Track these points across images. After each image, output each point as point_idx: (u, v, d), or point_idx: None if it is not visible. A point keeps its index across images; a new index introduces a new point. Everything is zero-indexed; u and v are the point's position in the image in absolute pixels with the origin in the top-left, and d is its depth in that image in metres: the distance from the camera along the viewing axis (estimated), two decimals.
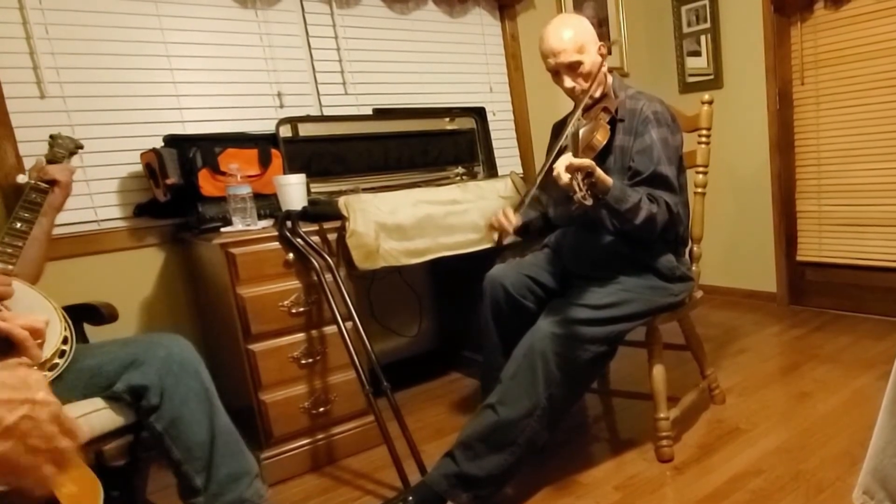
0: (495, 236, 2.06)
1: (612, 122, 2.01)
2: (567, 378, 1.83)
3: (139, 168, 2.36)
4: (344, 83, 2.90)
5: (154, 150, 2.22)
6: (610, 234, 2.05)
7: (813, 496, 1.78)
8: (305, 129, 2.62)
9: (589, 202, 1.63)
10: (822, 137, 3.37)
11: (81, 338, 1.85)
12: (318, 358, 2.22)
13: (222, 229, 2.16)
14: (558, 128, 2.36)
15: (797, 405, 2.36)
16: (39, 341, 1.09)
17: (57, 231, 1.97)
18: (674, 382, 2.33)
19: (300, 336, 2.18)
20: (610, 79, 2.13)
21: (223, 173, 2.25)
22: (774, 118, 3.48)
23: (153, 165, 2.24)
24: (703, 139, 2.33)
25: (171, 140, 2.29)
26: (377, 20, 2.98)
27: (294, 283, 2.16)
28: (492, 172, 3.10)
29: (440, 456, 1.87)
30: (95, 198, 2.32)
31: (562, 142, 1.94)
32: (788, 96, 3.46)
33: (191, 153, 2.22)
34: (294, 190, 2.23)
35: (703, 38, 3.74)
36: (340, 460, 2.29)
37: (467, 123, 3.09)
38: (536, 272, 2.16)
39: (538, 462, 2.09)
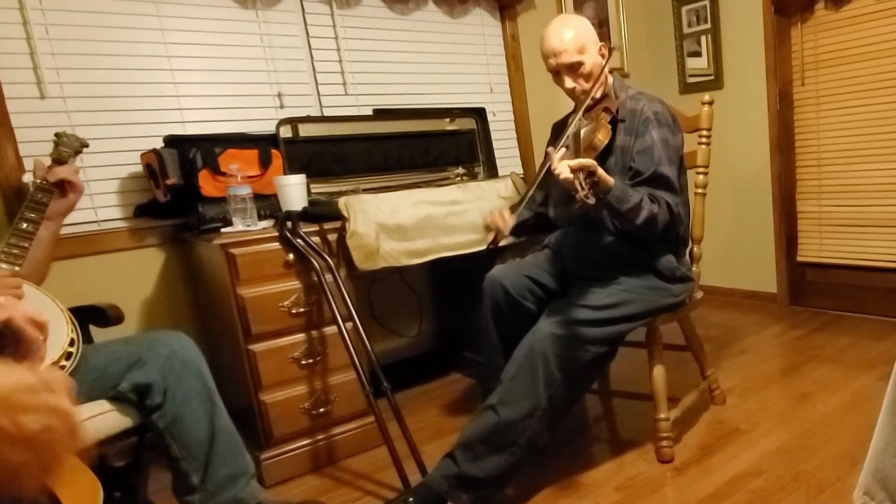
0: (490, 236, 2.07)
1: (613, 123, 2.01)
2: (567, 379, 1.83)
3: (139, 168, 2.36)
4: (344, 83, 2.90)
5: (154, 151, 2.22)
6: (610, 235, 2.05)
7: (813, 497, 1.78)
8: (306, 130, 2.62)
9: (591, 201, 1.63)
10: (822, 138, 3.37)
11: (87, 339, 1.84)
12: (318, 358, 2.21)
13: (222, 230, 2.16)
14: (558, 128, 2.36)
15: (797, 406, 2.36)
16: (43, 337, 1.09)
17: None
18: (674, 383, 2.33)
19: (300, 336, 2.18)
20: (610, 79, 2.13)
21: (223, 174, 2.25)
22: (775, 119, 3.48)
23: (153, 166, 2.24)
24: (704, 140, 2.33)
25: (171, 140, 2.29)
26: (377, 20, 2.98)
27: (294, 284, 2.15)
28: (492, 173, 3.10)
29: (440, 457, 1.87)
30: (96, 198, 2.32)
31: (563, 141, 1.94)
32: (789, 97, 3.46)
33: (191, 154, 2.22)
34: (294, 190, 2.23)
35: (703, 38, 3.74)
36: (341, 461, 2.29)
37: (468, 124, 3.09)
38: (536, 273, 2.16)
39: (539, 463, 2.09)
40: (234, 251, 2.04)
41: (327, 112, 2.84)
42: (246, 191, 2.17)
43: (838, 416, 2.23)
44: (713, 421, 2.31)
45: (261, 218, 2.26)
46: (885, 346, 2.86)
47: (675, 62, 3.92)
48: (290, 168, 2.49)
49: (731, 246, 3.85)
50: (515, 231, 2.22)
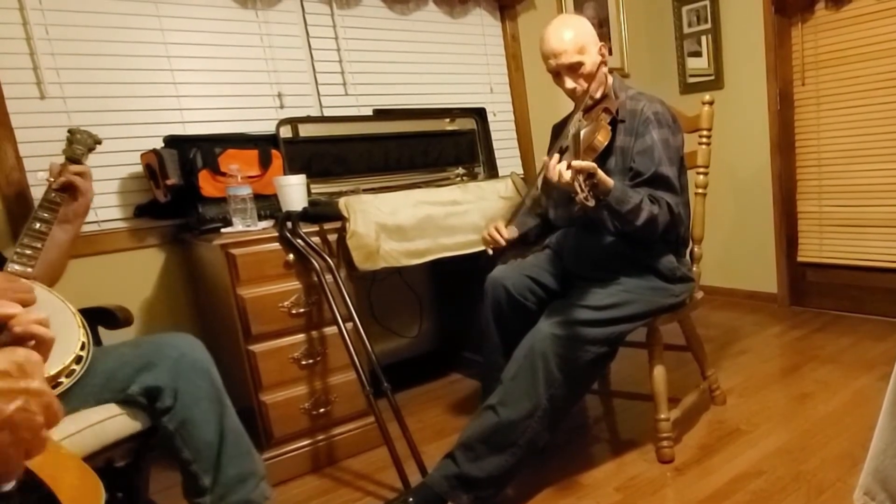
0: (489, 251, 2.09)
1: (613, 123, 2.01)
2: (568, 379, 1.82)
3: (139, 169, 2.36)
4: (344, 84, 2.89)
5: (154, 151, 2.22)
6: (611, 235, 2.05)
7: (814, 497, 1.78)
8: (306, 130, 2.62)
9: (591, 203, 1.63)
10: (822, 138, 3.37)
11: (95, 341, 1.84)
12: (318, 359, 2.21)
13: (222, 230, 2.16)
14: (558, 129, 2.36)
15: (798, 406, 2.36)
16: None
17: None
18: (674, 383, 2.33)
19: (300, 337, 2.18)
20: (610, 79, 2.13)
21: (223, 174, 2.25)
22: (775, 119, 3.48)
23: (153, 166, 2.24)
24: (704, 140, 2.33)
25: (171, 141, 2.29)
26: (377, 21, 2.98)
27: (294, 284, 2.15)
28: (492, 173, 3.10)
29: (441, 457, 1.87)
30: (96, 198, 2.29)
31: (562, 142, 1.93)
32: (789, 97, 3.46)
33: (191, 154, 2.22)
34: (294, 191, 2.23)
35: (703, 38, 3.74)
36: (341, 461, 2.29)
37: (468, 124, 3.09)
38: (537, 273, 2.16)
39: (539, 463, 2.09)
40: (235, 251, 2.04)
41: (327, 112, 2.84)
42: (246, 191, 2.17)
43: (839, 417, 2.23)
44: (713, 421, 2.31)
45: (261, 218, 2.26)
46: (886, 346, 2.86)
47: (676, 62, 3.92)
48: (291, 168, 2.49)
49: (732, 246, 3.85)
50: (519, 241, 2.23)
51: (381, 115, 2.89)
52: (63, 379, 1.50)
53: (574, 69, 2.01)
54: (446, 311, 3.21)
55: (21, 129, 2.16)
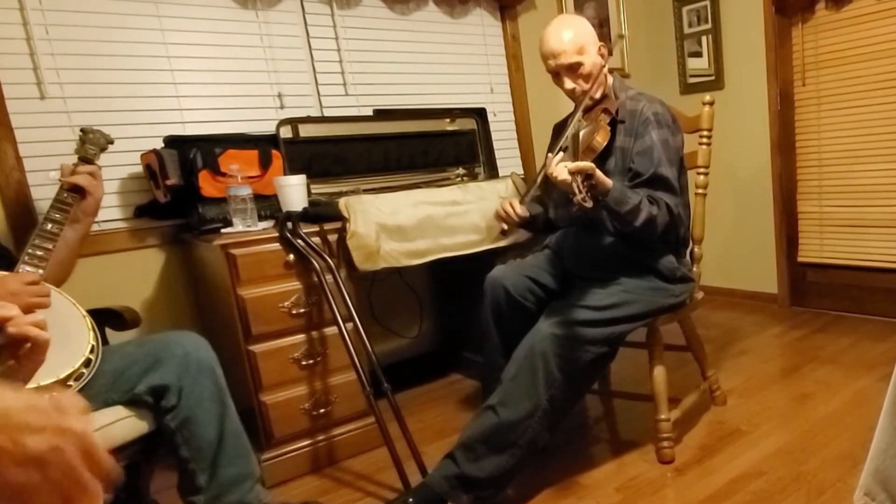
0: (504, 226, 2.06)
1: (613, 124, 2.01)
2: (568, 379, 1.82)
3: (139, 169, 2.36)
4: (344, 84, 2.89)
5: (154, 151, 2.22)
6: (611, 236, 2.05)
7: (814, 497, 1.78)
8: (306, 130, 2.62)
9: (589, 204, 1.63)
10: (823, 138, 3.37)
11: (102, 342, 1.84)
12: (318, 359, 2.21)
13: (223, 230, 2.16)
14: (559, 128, 2.35)
15: (798, 406, 2.36)
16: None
17: None
18: (675, 384, 2.33)
19: (301, 337, 2.18)
20: (610, 80, 2.13)
21: (223, 174, 2.25)
22: (775, 119, 3.48)
23: (153, 166, 2.24)
24: (704, 140, 2.32)
25: (171, 141, 2.29)
26: (378, 21, 2.98)
27: (294, 284, 2.15)
28: (492, 173, 3.10)
29: (441, 457, 1.87)
30: None
31: (562, 143, 1.93)
32: (790, 97, 3.46)
33: (191, 154, 2.22)
34: (294, 191, 2.23)
35: (704, 38, 3.74)
36: (341, 461, 2.29)
37: (468, 124, 3.09)
38: (537, 273, 2.16)
39: (539, 463, 2.09)
40: (235, 252, 2.04)
41: (327, 112, 2.84)
42: (246, 191, 2.17)
43: (839, 417, 2.23)
44: (714, 422, 2.31)
45: (261, 218, 2.26)
46: (886, 346, 2.86)
47: (676, 62, 3.91)
48: (291, 168, 2.49)
49: (732, 246, 3.85)
50: (529, 224, 2.22)
51: (381, 115, 2.89)
52: (72, 382, 1.50)
53: (573, 69, 2.01)
54: (446, 312, 3.21)
55: (21, 130, 2.16)
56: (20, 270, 1.59)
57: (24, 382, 0.99)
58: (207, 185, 2.24)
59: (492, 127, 3.15)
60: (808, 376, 2.62)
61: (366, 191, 2.59)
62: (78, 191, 1.74)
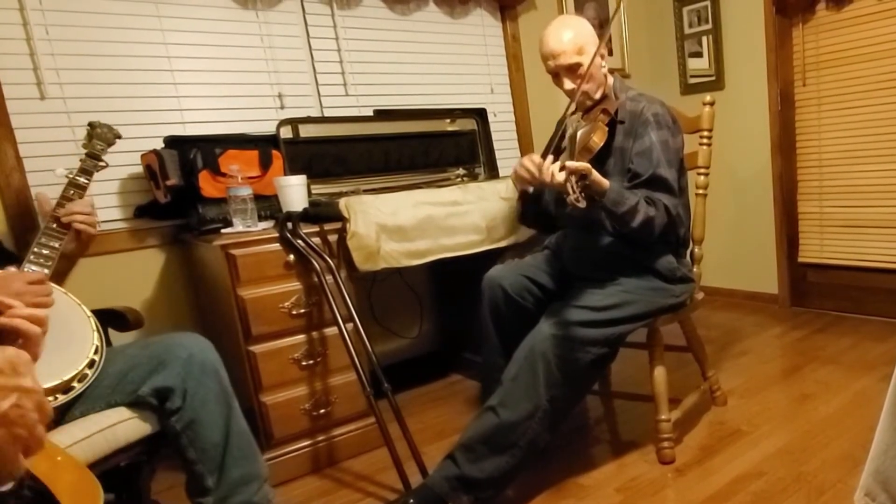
0: (518, 188, 1.97)
1: (612, 124, 2.01)
2: (568, 380, 1.82)
3: (139, 169, 2.36)
4: (345, 84, 2.89)
5: (154, 152, 2.22)
6: (610, 236, 2.04)
7: (815, 498, 1.78)
8: (306, 131, 2.62)
9: (582, 205, 1.63)
10: (823, 139, 3.37)
11: (106, 343, 1.83)
12: (318, 359, 2.21)
13: (223, 231, 2.16)
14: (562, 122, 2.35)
15: (799, 407, 2.36)
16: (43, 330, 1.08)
17: None
18: (675, 384, 2.33)
19: (301, 338, 2.18)
20: (610, 80, 2.12)
21: (224, 174, 2.25)
22: (776, 119, 3.48)
23: (153, 167, 2.24)
24: (705, 140, 2.32)
25: (171, 141, 2.28)
26: (378, 21, 2.98)
27: (295, 285, 2.15)
28: (493, 174, 3.10)
29: (441, 458, 1.86)
30: (96, 199, 2.31)
31: (560, 142, 1.92)
32: (790, 97, 3.46)
33: (191, 154, 2.22)
34: (295, 191, 2.23)
35: (704, 39, 3.74)
36: (341, 462, 2.29)
37: (468, 124, 3.09)
38: (535, 273, 2.16)
39: (539, 464, 2.08)
40: (235, 252, 2.04)
41: (328, 113, 2.84)
42: (246, 191, 2.17)
43: (839, 418, 2.23)
44: (714, 422, 2.31)
45: (261, 219, 2.26)
46: (887, 347, 2.85)
47: (676, 63, 3.91)
48: (291, 169, 2.49)
49: (732, 247, 3.85)
50: (531, 203, 2.20)
51: (381, 115, 2.89)
52: (75, 384, 1.49)
53: (573, 70, 2.00)
54: (447, 312, 3.21)
55: (21, 130, 2.16)
56: (26, 269, 1.58)
57: None
58: (207, 185, 2.24)
59: (492, 127, 3.15)
60: (809, 377, 2.62)
61: (366, 191, 2.59)
62: (69, 228, 1.68)
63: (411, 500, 1.79)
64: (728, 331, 3.34)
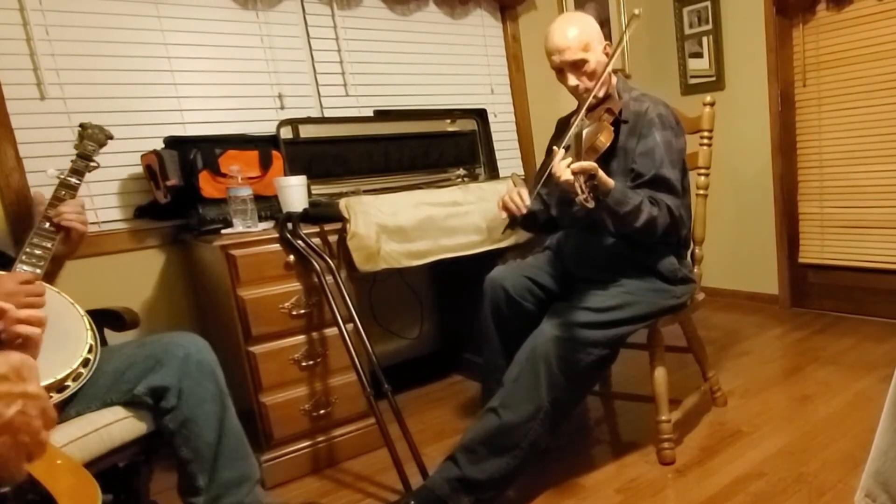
0: (504, 215, 1.99)
1: (616, 124, 2.00)
2: (569, 381, 1.82)
3: (139, 170, 2.36)
4: (345, 84, 2.89)
5: (154, 152, 2.22)
6: (612, 237, 2.04)
7: (815, 499, 1.77)
8: (306, 131, 2.61)
9: (591, 204, 1.63)
10: (824, 139, 3.36)
11: (101, 343, 1.83)
12: (318, 360, 2.21)
13: (223, 231, 2.16)
14: (562, 124, 2.35)
15: (799, 408, 2.35)
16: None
17: None
18: (675, 385, 2.33)
19: (301, 338, 2.18)
20: (614, 79, 2.12)
21: (224, 175, 2.25)
22: (776, 120, 3.47)
23: (153, 167, 2.23)
24: (705, 141, 2.32)
25: (171, 141, 2.28)
26: (378, 21, 2.98)
27: (295, 285, 2.15)
28: (493, 174, 3.10)
29: (442, 459, 1.86)
30: (96, 199, 2.32)
31: (565, 142, 1.93)
32: (790, 98, 3.46)
33: (191, 155, 2.22)
34: (295, 192, 2.23)
35: (704, 39, 3.74)
36: (341, 463, 2.29)
37: (468, 125, 3.09)
38: (536, 274, 2.16)
39: (540, 464, 2.08)
40: (235, 252, 2.04)
41: (328, 113, 2.83)
42: (246, 192, 2.17)
43: (840, 418, 2.23)
44: (715, 423, 2.31)
45: (261, 219, 2.26)
46: (887, 347, 2.85)
47: (677, 63, 3.91)
48: (291, 169, 2.49)
49: (733, 247, 3.84)
50: (530, 223, 2.20)
51: (381, 115, 2.89)
52: (70, 383, 1.49)
53: (578, 66, 2.00)
54: (447, 313, 3.20)
55: (21, 130, 2.16)
56: (18, 269, 1.58)
57: None
58: (208, 185, 2.24)
59: (492, 128, 3.15)
60: (809, 377, 2.61)
61: (366, 192, 2.59)
62: (61, 229, 1.68)
63: (412, 502, 1.79)
64: (728, 331, 3.33)
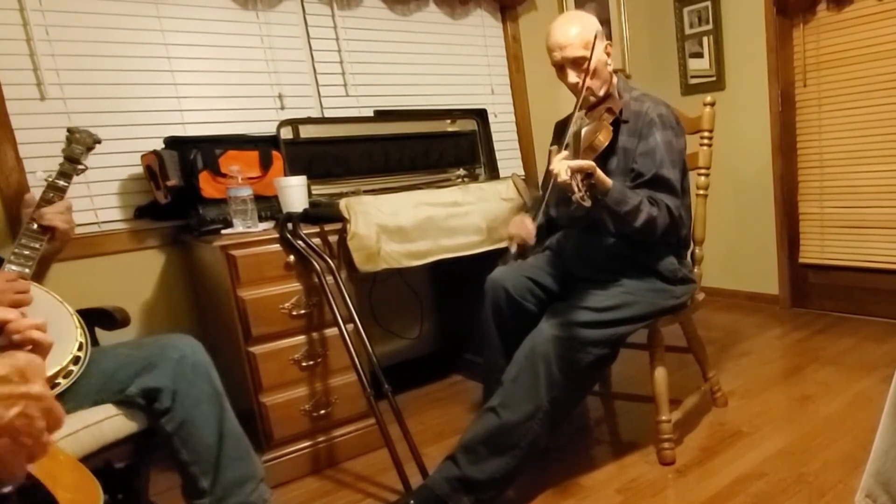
0: (513, 248, 1.92)
1: (616, 123, 2.00)
2: (569, 381, 1.82)
3: (140, 170, 2.36)
4: (345, 85, 2.89)
5: (154, 152, 2.22)
6: (612, 237, 2.04)
7: (815, 499, 1.77)
8: (306, 131, 2.61)
9: (587, 203, 1.63)
10: (824, 139, 3.36)
11: (93, 342, 1.83)
12: (318, 360, 2.21)
13: (223, 231, 2.16)
14: (561, 126, 2.35)
15: (799, 408, 2.35)
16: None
17: None
18: (675, 385, 2.33)
19: (301, 338, 2.18)
20: (615, 79, 2.12)
21: (224, 175, 2.25)
22: (777, 120, 3.47)
23: (154, 167, 2.23)
24: (705, 141, 2.32)
25: (171, 142, 2.28)
26: (378, 21, 2.98)
27: (295, 286, 2.15)
28: (493, 174, 3.10)
29: (442, 459, 1.86)
30: (96, 200, 2.32)
31: (564, 140, 1.93)
32: (791, 98, 3.45)
33: (191, 155, 2.22)
34: (295, 192, 2.23)
35: (705, 39, 3.74)
36: (341, 463, 2.29)
37: (469, 125, 3.09)
38: (537, 274, 2.16)
39: (540, 464, 2.08)
40: (235, 253, 2.04)
41: (328, 113, 2.83)
42: (246, 192, 2.17)
43: (840, 419, 2.22)
44: (715, 423, 2.30)
45: (261, 219, 2.26)
46: (888, 348, 2.85)
47: (677, 63, 3.91)
48: (291, 169, 2.49)
49: (733, 247, 3.84)
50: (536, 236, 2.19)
51: (381, 116, 2.89)
52: (60, 380, 1.49)
53: (578, 63, 1.99)
54: (447, 313, 3.20)
55: (21, 130, 2.16)
56: (7, 269, 1.58)
57: None
58: (208, 186, 2.24)
59: (492, 128, 3.15)
60: (810, 378, 2.61)
61: (366, 192, 2.58)
62: (48, 230, 1.68)
63: (412, 501, 1.79)
64: (729, 332, 3.33)
